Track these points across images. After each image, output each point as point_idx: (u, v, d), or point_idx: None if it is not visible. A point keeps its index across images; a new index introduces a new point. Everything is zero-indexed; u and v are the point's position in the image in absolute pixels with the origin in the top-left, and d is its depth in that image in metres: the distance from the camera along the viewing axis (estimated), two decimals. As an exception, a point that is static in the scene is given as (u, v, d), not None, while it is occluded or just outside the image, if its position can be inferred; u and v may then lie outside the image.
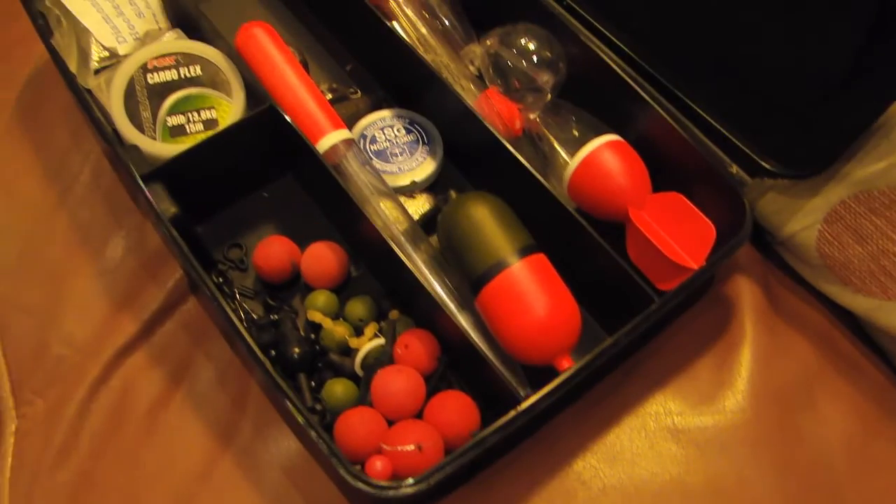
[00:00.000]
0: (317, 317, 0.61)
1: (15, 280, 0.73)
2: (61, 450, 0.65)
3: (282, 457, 0.62)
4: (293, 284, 0.67)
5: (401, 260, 0.59)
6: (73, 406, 0.66)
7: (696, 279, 0.60)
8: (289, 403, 0.52)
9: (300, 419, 0.52)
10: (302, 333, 0.63)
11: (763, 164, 0.64)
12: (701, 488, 0.60)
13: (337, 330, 0.61)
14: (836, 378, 0.64)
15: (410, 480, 0.50)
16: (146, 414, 0.65)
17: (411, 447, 0.53)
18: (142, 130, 0.65)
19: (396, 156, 0.69)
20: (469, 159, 0.70)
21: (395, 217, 0.63)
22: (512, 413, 0.53)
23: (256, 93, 0.66)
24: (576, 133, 0.67)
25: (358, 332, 0.62)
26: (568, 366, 0.58)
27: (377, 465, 0.53)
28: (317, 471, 0.61)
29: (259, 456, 0.62)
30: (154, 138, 0.65)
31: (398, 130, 0.70)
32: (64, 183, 0.75)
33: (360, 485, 0.50)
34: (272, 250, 0.64)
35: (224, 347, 0.66)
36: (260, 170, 0.69)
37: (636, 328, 0.57)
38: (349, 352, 0.62)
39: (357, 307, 0.63)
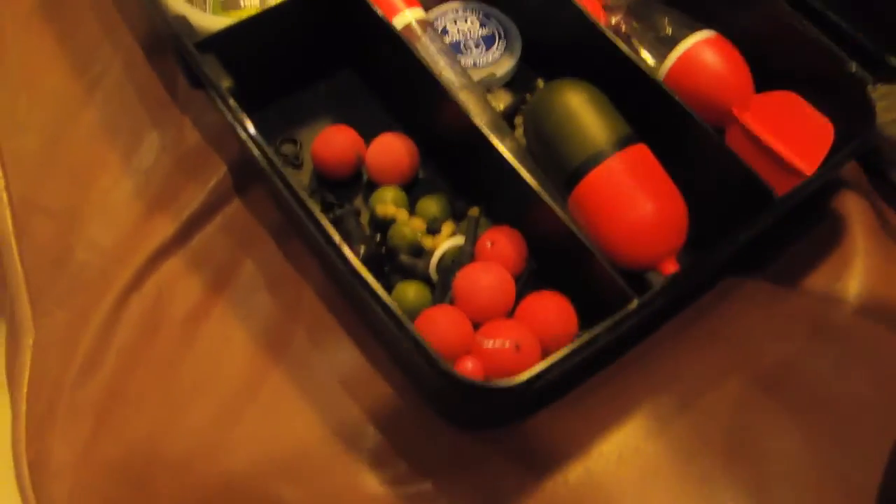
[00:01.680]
0: (389, 209, 0.54)
1: (36, 180, 0.65)
2: (86, 363, 0.58)
3: (340, 368, 0.55)
4: (354, 183, 0.60)
5: (491, 147, 0.52)
6: (100, 315, 0.59)
7: (813, 183, 0.53)
8: (371, 292, 0.45)
9: (387, 307, 0.44)
10: (367, 233, 0.55)
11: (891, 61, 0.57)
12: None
13: (411, 224, 0.54)
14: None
15: (523, 376, 0.43)
16: (183, 323, 0.58)
17: (508, 344, 0.46)
18: (190, 1, 0.57)
19: (471, 49, 0.62)
20: (549, 59, 0.63)
21: (476, 109, 0.56)
22: (625, 311, 0.46)
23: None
24: (668, 31, 0.61)
25: (431, 232, 0.55)
26: (674, 269, 0.51)
27: (468, 364, 0.46)
28: (379, 383, 0.54)
29: (314, 367, 0.55)
30: (204, 10, 0.57)
31: (472, 23, 0.63)
32: (92, 76, 0.68)
33: (457, 384, 0.43)
34: (335, 140, 0.57)
35: (274, 251, 0.59)
36: (318, 57, 0.62)
37: (754, 227, 0.50)
38: (420, 253, 0.54)
39: (430, 205, 0.56)
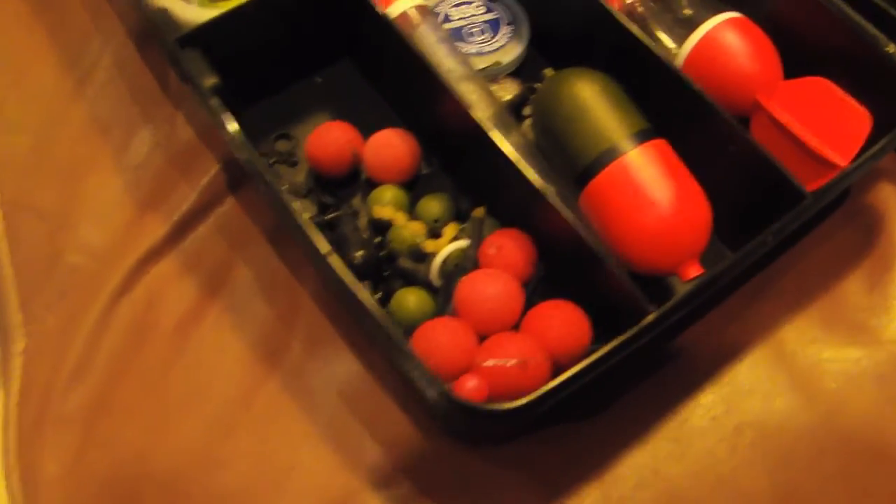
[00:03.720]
0: (386, 212, 0.51)
1: (26, 180, 0.63)
2: (75, 371, 0.55)
3: (338, 379, 0.52)
4: (352, 182, 0.56)
5: (492, 143, 0.48)
6: (89, 321, 0.56)
7: (848, 176, 0.49)
8: (362, 308, 0.42)
9: (379, 323, 0.41)
10: (364, 236, 0.52)
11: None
12: (855, 430, 0.49)
13: (410, 228, 0.50)
14: None
15: (524, 400, 0.39)
16: (175, 330, 0.55)
17: (513, 362, 0.43)
18: (176, -9, 0.54)
19: (474, 35, 0.58)
20: (559, 45, 0.59)
21: (478, 102, 0.53)
22: (643, 323, 0.42)
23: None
24: (688, 12, 0.57)
25: (432, 234, 0.52)
26: (696, 274, 0.47)
27: (470, 383, 0.43)
28: (380, 395, 0.51)
29: (311, 378, 0.52)
30: (188, 1, 0.54)
31: (476, 7, 0.60)
32: (82, 70, 0.65)
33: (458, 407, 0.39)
34: (330, 137, 0.54)
35: (269, 254, 0.56)
36: (311, 48, 0.58)
37: (784, 228, 0.46)
38: (422, 258, 0.51)
39: (432, 205, 0.52)
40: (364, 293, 0.42)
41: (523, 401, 0.40)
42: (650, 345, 0.46)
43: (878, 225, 0.55)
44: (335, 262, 0.42)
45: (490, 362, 0.43)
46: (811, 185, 0.49)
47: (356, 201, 0.55)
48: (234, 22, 0.52)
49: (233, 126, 0.46)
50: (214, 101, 0.47)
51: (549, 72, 0.53)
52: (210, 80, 0.49)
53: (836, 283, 0.54)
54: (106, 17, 0.66)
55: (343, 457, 0.50)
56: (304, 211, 0.54)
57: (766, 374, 0.51)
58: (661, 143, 0.49)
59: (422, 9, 0.54)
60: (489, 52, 0.58)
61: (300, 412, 0.51)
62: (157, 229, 0.58)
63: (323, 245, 0.43)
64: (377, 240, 0.52)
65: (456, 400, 0.39)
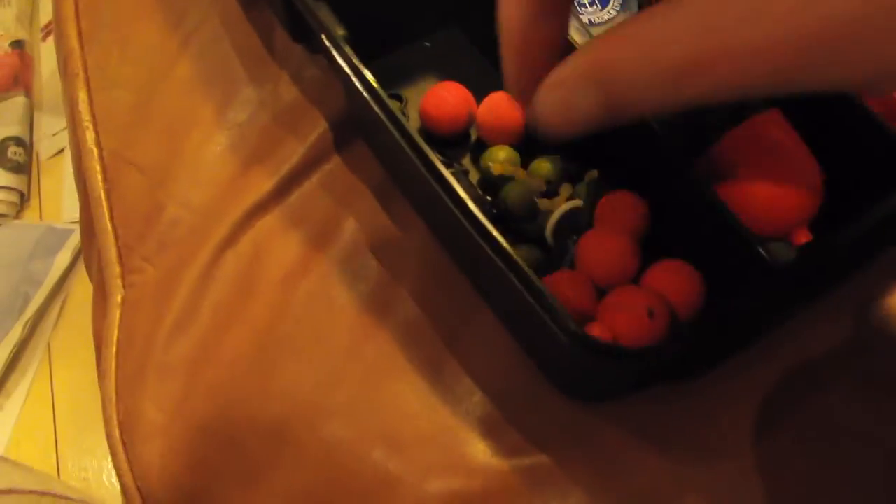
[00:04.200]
0: (507, 168, 0.51)
1: (127, 134, 0.64)
2: (178, 322, 0.56)
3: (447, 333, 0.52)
4: (461, 143, 0.57)
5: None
6: (193, 273, 0.57)
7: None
8: (498, 248, 0.42)
9: (509, 271, 0.42)
10: (478, 193, 0.53)
11: None
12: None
13: (528, 184, 0.51)
14: None
15: (657, 343, 0.40)
16: (282, 282, 0.55)
17: (640, 310, 0.43)
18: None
19: (586, 6, 0.59)
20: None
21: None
22: (771, 278, 0.43)
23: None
24: None
25: (548, 195, 0.52)
26: (807, 239, 0.48)
27: (595, 330, 0.43)
28: (491, 347, 0.51)
29: (420, 332, 0.52)
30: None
31: (586, -21, 0.60)
32: (186, 30, 0.66)
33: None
34: (447, 94, 0.54)
35: (377, 210, 0.56)
36: (424, 12, 0.59)
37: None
38: (536, 216, 0.52)
39: (544, 165, 0.53)
40: (500, 236, 0.42)
41: (655, 344, 0.40)
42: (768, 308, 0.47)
43: None
44: (472, 206, 0.43)
45: (619, 309, 0.44)
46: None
47: (466, 161, 0.56)
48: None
49: (367, 73, 0.47)
50: (349, 51, 0.48)
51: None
52: (340, 32, 0.50)
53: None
54: (213, -21, 0.67)
55: (452, 408, 0.50)
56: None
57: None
58: (776, 113, 0.50)
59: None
60: (600, 22, 0.59)
61: (410, 364, 0.51)
62: (262, 184, 0.58)
63: (460, 189, 0.43)
64: (489, 199, 0.53)
65: (592, 340, 0.40)
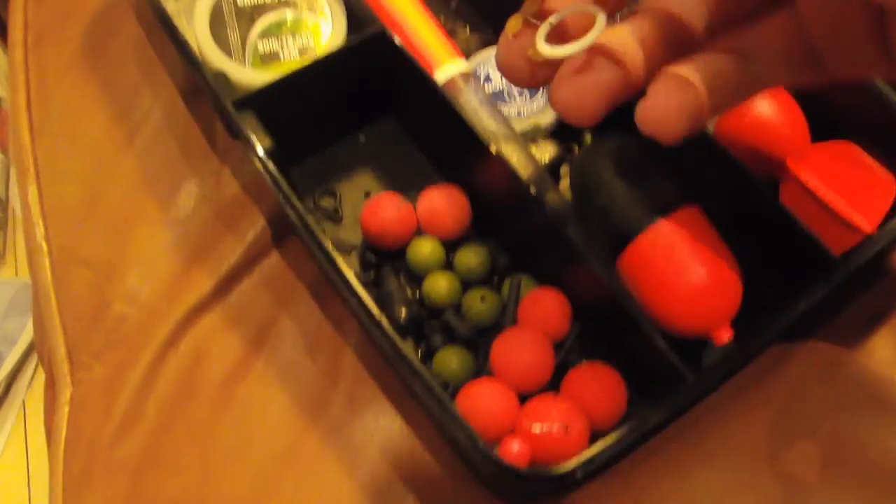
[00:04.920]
0: (427, 261, 0.52)
1: (75, 230, 0.65)
2: (123, 422, 0.57)
3: (381, 436, 0.53)
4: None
5: (533, 202, 0.49)
6: (137, 372, 0.58)
7: (878, 241, 0.50)
8: (411, 369, 0.43)
9: (423, 388, 0.42)
10: (408, 292, 0.54)
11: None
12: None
13: (445, 281, 0.52)
14: None
15: (573, 463, 0.40)
16: (222, 383, 0.56)
17: (556, 427, 0.44)
18: (229, 56, 0.56)
19: (515, 97, 0.60)
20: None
21: (519, 162, 0.54)
22: (683, 387, 0.43)
23: (357, 17, 0.58)
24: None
25: (467, 286, 0.53)
26: (729, 337, 0.48)
27: (513, 446, 0.44)
28: (422, 454, 0.52)
29: (354, 435, 0.53)
30: (243, 64, 0.56)
31: (516, 69, 0.61)
32: (131, 124, 0.67)
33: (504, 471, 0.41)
34: (387, 214, 0.54)
35: (313, 309, 0.57)
36: (357, 108, 0.60)
37: (813, 294, 0.47)
38: (459, 308, 0.52)
39: (468, 256, 0.54)
40: (412, 355, 0.43)
41: (567, 465, 0.41)
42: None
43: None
44: (385, 323, 0.44)
45: (536, 427, 0.44)
46: (839, 249, 0.50)
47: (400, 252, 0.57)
48: (288, 86, 0.54)
49: (285, 187, 0.48)
50: (270, 164, 0.49)
51: (588, 137, 0.55)
52: (266, 142, 0.51)
53: (861, 346, 0.54)
54: (156, 72, 0.68)
55: (387, 513, 0.51)
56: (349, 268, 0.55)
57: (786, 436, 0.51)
58: (695, 211, 0.50)
59: (466, 75, 0.56)
60: (528, 113, 0.59)
61: (342, 467, 0.52)
62: (203, 283, 0.59)
63: (373, 307, 0.44)
64: (416, 293, 0.54)
65: (505, 465, 0.40)
